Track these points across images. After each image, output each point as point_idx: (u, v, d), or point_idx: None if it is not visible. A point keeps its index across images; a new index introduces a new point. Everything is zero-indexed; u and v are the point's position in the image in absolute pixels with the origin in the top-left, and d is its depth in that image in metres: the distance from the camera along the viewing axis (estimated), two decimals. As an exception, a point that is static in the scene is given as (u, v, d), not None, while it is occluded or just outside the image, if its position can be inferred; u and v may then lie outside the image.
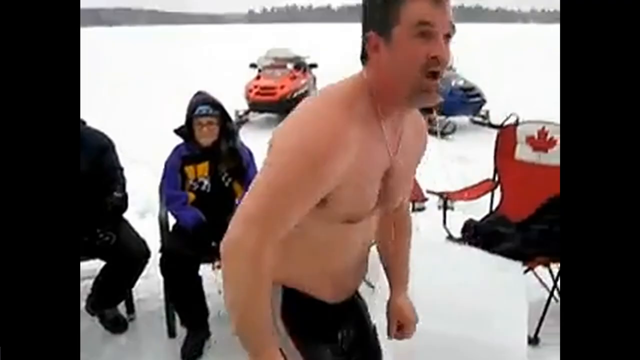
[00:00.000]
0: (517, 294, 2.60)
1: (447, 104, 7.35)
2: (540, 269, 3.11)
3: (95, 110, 5.00)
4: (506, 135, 3.70)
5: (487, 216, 3.64)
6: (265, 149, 1.26)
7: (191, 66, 20.48)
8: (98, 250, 2.93)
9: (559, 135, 3.48)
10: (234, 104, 9.23)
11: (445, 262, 2.65)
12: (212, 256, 2.85)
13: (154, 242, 3.14)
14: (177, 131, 3.18)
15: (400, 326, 1.68)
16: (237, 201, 3.07)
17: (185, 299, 2.99)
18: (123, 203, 3.06)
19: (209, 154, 3.11)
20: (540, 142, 3.56)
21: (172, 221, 3.16)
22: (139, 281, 3.11)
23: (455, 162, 6.24)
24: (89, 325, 3.14)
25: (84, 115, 2.91)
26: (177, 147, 3.19)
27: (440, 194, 3.68)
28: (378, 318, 1.70)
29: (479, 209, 3.76)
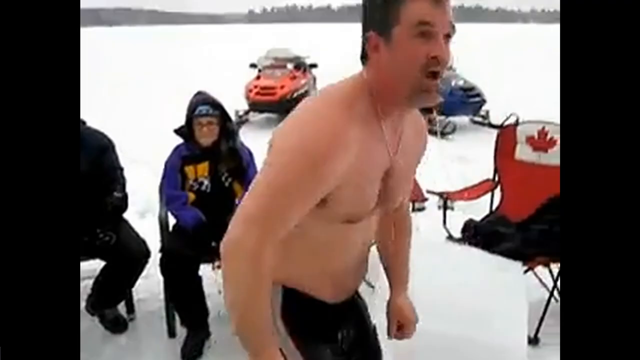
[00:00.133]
0: (517, 294, 2.60)
1: (447, 104, 7.35)
2: (540, 269, 3.11)
3: (95, 110, 5.00)
4: (506, 135, 3.70)
5: (487, 216, 3.64)
6: (265, 149, 1.26)
7: (191, 66, 20.50)
8: (98, 250, 2.93)
9: (559, 135, 3.48)
10: (234, 103, 9.25)
11: (445, 262, 2.65)
12: (212, 256, 2.85)
13: (154, 242, 3.14)
14: (177, 131, 3.18)
15: (400, 326, 1.68)
16: (237, 201, 3.07)
17: (185, 299, 2.99)
18: (123, 203, 3.06)
19: (209, 154, 3.11)
20: (540, 142, 3.56)
21: (172, 221, 3.16)
22: (139, 281, 3.11)
23: (455, 162, 6.24)
24: (89, 325, 3.15)
25: (84, 115, 2.92)
26: (177, 147, 3.19)
27: (440, 194, 3.68)
28: (378, 318, 1.70)
29: (479, 208, 3.76)
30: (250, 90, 9.67)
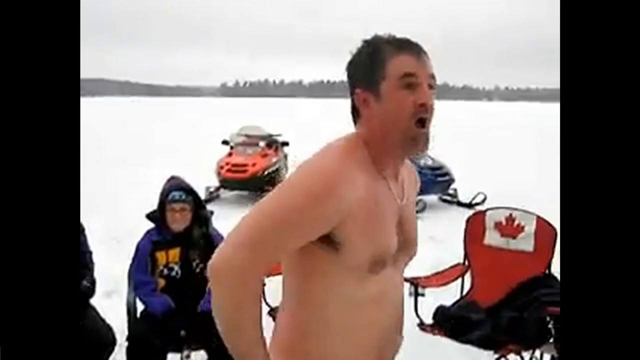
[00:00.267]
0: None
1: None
2: (512, 357, 3.10)
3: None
4: (475, 220, 3.77)
5: (457, 301, 3.65)
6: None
7: (163, 140, 20.48)
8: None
9: (525, 222, 3.56)
10: (207, 179, 9.27)
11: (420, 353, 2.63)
12: (180, 345, 2.79)
13: (120, 326, 3.06)
14: (149, 216, 3.17)
15: None
16: (207, 288, 3.03)
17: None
18: (90, 290, 3.00)
19: (181, 240, 3.09)
20: (507, 229, 3.64)
21: (140, 306, 3.10)
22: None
23: (425, 242, 6.25)
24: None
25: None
26: (148, 231, 3.17)
27: (411, 281, 3.68)
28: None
29: (450, 293, 3.77)
30: (222, 167, 9.69)
